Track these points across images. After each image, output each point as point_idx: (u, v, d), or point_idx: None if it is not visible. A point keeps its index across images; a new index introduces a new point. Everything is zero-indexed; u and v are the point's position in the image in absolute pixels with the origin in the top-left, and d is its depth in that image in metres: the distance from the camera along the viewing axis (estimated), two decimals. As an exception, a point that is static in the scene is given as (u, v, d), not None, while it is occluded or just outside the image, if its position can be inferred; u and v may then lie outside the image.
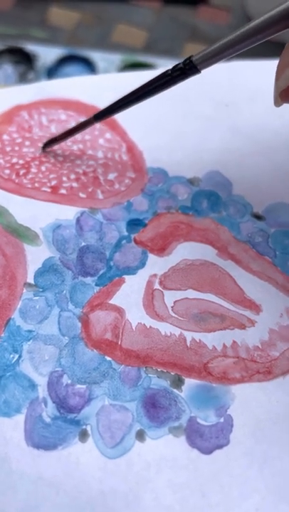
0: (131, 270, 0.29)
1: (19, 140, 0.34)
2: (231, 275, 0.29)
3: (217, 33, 0.48)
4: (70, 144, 0.34)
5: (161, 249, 0.30)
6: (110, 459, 0.24)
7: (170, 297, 0.29)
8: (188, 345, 0.27)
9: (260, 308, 0.28)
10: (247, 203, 0.32)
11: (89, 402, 0.25)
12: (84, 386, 0.26)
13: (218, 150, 0.34)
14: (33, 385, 0.25)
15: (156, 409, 0.25)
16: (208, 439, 0.24)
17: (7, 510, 0.23)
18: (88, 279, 0.29)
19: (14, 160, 0.33)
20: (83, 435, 0.24)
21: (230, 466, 0.24)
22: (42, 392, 0.25)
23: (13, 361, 0.26)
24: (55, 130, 0.34)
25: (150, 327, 0.27)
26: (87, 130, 0.34)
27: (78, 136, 0.34)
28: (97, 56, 0.44)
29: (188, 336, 0.27)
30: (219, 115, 0.35)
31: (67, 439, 0.24)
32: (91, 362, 0.26)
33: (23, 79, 0.43)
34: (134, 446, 0.24)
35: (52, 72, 0.43)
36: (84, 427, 0.25)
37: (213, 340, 0.27)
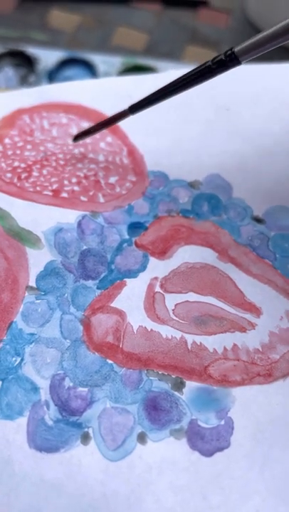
0: (132, 273, 0.29)
1: (21, 144, 0.34)
2: (232, 278, 0.30)
3: (217, 36, 0.48)
4: (71, 148, 0.34)
5: (162, 253, 0.30)
6: (112, 461, 0.24)
7: (171, 300, 0.29)
8: (189, 348, 0.27)
9: (260, 311, 0.29)
10: (247, 206, 0.32)
11: (91, 405, 0.25)
12: (86, 389, 0.26)
13: (218, 153, 0.34)
14: (35, 388, 0.26)
15: (157, 411, 0.25)
16: (208, 442, 0.25)
17: (10, 512, 0.23)
18: (90, 283, 0.29)
19: (16, 164, 0.33)
20: (85, 438, 0.25)
21: (230, 469, 0.24)
22: (44, 395, 0.26)
23: (16, 364, 0.26)
24: (56, 134, 0.34)
25: (151, 330, 0.28)
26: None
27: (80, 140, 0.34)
28: (97, 59, 0.44)
29: (189, 338, 0.27)
30: (220, 119, 0.35)
31: (69, 441, 0.24)
32: (93, 365, 0.26)
33: (24, 82, 0.43)
34: (135, 448, 0.24)
35: (53, 75, 0.43)
36: (86, 429, 0.25)
37: (213, 343, 0.27)
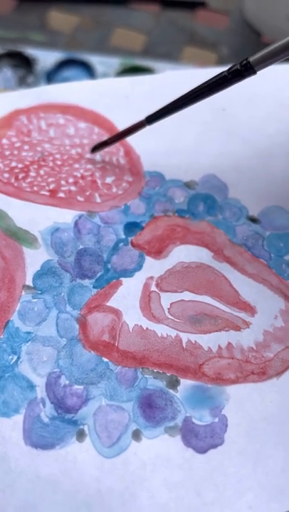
0: (128, 273, 0.30)
1: (18, 144, 0.34)
2: (227, 277, 0.30)
3: (215, 37, 0.49)
4: (68, 148, 0.34)
5: (158, 252, 0.30)
6: (107, 458, 0.24)
7: (166, 299, 0.29)
8: (184, 346, 0.27)
9: (255, 310, 0.29)
10: (243, 206, 0.32)
11: (86, 403, 0.26)
12: (81, 387, 0.26)
13: (214, 154, 0.34)
14: (31, 386, 0.26)
15: (152, 409, 0.26)
16: (203, 439, 0.25)
17: (5, 509, 0.23)
18: (86, 282, 0.29)
19: (13, 164, 0.33)
20: (80, 435, 0.25)
21: (224, 465, 0.24)
22: (40, 392, 0.26)
23: (12, 362, 0.26)
24: (53, 134, 0.35)
25: (147, 329, 0.28)
26: (85, 134, 0.34)
27: (77, 140, 0.34)
28: (95, 60, 0.44)
29: (184, 337, 0.28)
30: (216, 119, 0.36)
31: (64, 438, 0.25)
32: (88, 363, 0.27)
33: (22, 83, 0.43)
34: (130, 445, 0.25)
35: (51, 75, 0.44)
36: (81, 426, 0.25)
37: (208, 341, 0.28)
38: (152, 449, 0.25)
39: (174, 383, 0.26)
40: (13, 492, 0.23)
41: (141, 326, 0.28)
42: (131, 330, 0.28)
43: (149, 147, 0.34)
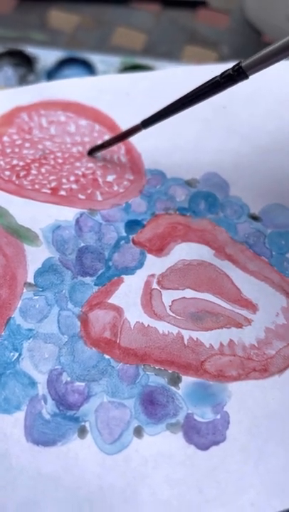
0: (129, 270, 0.30)
1: (19, 142, 0.34)
2: (228, 275, 0.30)
3: (216, 37, 0.49)
4: (69, 146, 0.34)
5: (159, 250, 0.30)
6: (108, 454, 0.24)
7: (168, 297, 0.29)
8: (186, 343, 0.27)
9: (256, 307, 0.29)
10: (244, 204, 0.32)
11: (88, 399, 0.26)
12: (83, 383, 0.26)
13: (215, 152, 0.34)
14: (33, 383, 0.26)
15: (153, 406, 0.26)
16: (204, 436, 0.25)
17: (7, 505, 0.23)
18: (87, 279, 0.29)
19: (14, 161, 0.33)
20: (82, 431, 0.25)
21: (226, 462, 0.24)
22: (42, 389, 0.26)
23: (14, 359, 0.26)
24: (54, 132, 0.35)
25: (148, 326, 0.28)
26: (86, 132, 0.34)
27: (78, 138, 0.34)
28: (96, 59, 0.44)
29: (186, 334, 0.28)
30: (217, 117, 0.36)
31: (66, 435, 0.25)
32: (90, 360, 0.27)
33: (23, 81, 0.43)
34: (132, 442, 0.25)
35: (52, 74, 0.44)
36: (83, 423, 0.25)
37: (210, 338, 0.28)
38: (154, 445, 0.25)
39: (175, 380, 0.26)
40: (15, 489, 0.23)
41: (142, 323, 0.28)
42: (132, 327, 0.28)
43: (150, 145, 0.34)
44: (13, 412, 0.25)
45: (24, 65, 0.44)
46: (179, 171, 0.33)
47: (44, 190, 0.32)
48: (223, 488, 0.24)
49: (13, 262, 0.29)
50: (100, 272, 0.30)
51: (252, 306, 0.29)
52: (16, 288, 0.28)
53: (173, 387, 0.26)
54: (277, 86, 0.37)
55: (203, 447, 0.25)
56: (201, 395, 0.26)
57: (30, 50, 0.44)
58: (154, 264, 0.30)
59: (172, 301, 0.29)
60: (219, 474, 0.24)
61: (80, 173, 0.33)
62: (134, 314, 0.28)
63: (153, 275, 0.30)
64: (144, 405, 0.26)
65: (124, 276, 0.29)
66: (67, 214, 0.31)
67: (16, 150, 0.34)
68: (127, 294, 0.29)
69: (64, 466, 0.24)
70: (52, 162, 0.33)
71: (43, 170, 0.33)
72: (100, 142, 0.34)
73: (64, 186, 0.32)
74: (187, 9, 0.51)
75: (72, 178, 0.33)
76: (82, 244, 0.30)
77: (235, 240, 0.31)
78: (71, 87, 0.37)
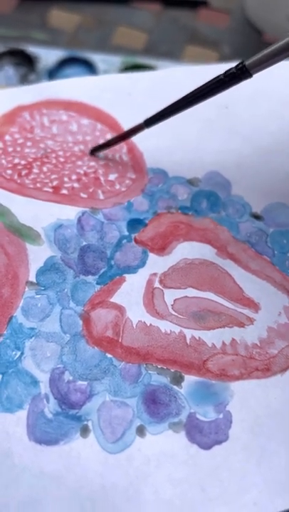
0: (131, 269, 0.30)
1: (21, 141, 0.34)
2: (230, 274, 0.30)
3: (217, 36, 0.49)
4: (71, 145, 0.34)
5: (162, 249, 0.30)
6: (111, 453, 0.24)
7: (170, 296, 0.29)
8: (188, 342, 0.27)
9: (258, 306, 0.29)
10: (246, 203, 0.32)
11: (90, 398, 0.26)
12: (85, 382, 0.26)
13: (217, 151, 0.34)
14: (35, 382, 0.26)
15: (156, 405, 0.26)
16: (207, 435, 0.25)
17: (10, 504, 0.23)
18: (89, 278, 0.29)
19: (16, 160, 0.33)
20: (84, 430, 0.25)
21: (229, 461, 0.24)
22: (44, 388, 0.26)
23: (16, 358, 0.26)
24: (56, 131, 0.35)
25: (150, 325, 0.28)
26: (88, 131, 0.34)
27: (80, 137, 0.34)
28: (97, 58, 0.44)
29: (188, 333, 0.28)
30: (219, 117, 0.36)
31: (68, 434, 0.25)
32: (92, 359, 0.27)
33: (24, 80, 0.43)
34: (134, 441, 0.25)
35: (53, 73, 0.44)
36: (85, 422, 0.25)
37: (212, 337, 0.28)
38: (156, 444, 0.25)
39: (178, 379, 0.26)
40: (17, 487, 0.23)
41: (144, 322, 0.28)
42: (134, 326, 0.28)
43: (152, 144, 0.34)
44: (16, 411, 0.25)
45: (25, 64, 0.44)
46: (181, 170, 0.33)
47: (46, 189, 0.32)
48: (225, 487, 0.24)
49: (15, 261, 0.29)
50: (102, 271, 0.29)
51: (254, 306, 0.29)
52: (17, 287, 0.28)
53: (175, 387, 0.26)
54: (280, 86, 0.37)
55: (206, 446, 0.25)
56: (203, 394, 0.26)
57: (32, 49, 0.44)
58: (156, 263, 0.30)
59: (174, 300, 0.29)
60: (222, 473, 0.24)
61: (81, 171, 0.33)
62: (137, 313, 0.28)
63: (155, 274, 0.30)
64: (146, 404, 0.26)
65: (127, 275, 0.29)
66: (69, 213, 0.31)
67: (18, 149, 0.34)
68: (129, 293, 0.29)
69: (66, 465, 0.24)
70: (54, 161, 0.33)
71: (44, 169, 0.33)
72: (102, 142, 0.34)
73: (66, 185, 0.32)
74: (188, 9, 0.51)
75: (74, 177, 0.33)
76: (84, 243, 0.30)
77: (237, 239, 0.31)
78: (73, 87, 0.37)
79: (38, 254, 0.30)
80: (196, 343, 0.27)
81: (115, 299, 0.29)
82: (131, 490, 0.24)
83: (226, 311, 0.29)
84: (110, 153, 0.34)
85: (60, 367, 0.26)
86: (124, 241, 0.31)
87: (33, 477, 0.24)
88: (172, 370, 0.27)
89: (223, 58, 0.47)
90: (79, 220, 0.31)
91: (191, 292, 0.29)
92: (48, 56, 0.44)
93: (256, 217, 0.32)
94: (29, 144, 0.34)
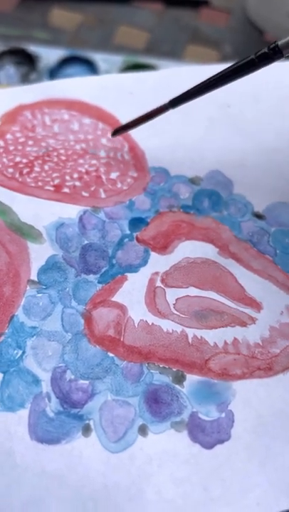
0: (133, 268, 0.30)
1: (22, 139, 0.34)
2: (232, 273, 0.30)
3: (218, 35, 0.49)
4: (72, 144, 0.34)
5: (163, 248, 0.30)
6: (113, 453, 0.24)
7: (172, 295, 0.29)
8: (190, 341, 0.27)
9: (260, 305, 0.29)
10: (248, 202, 0.32)
11: (92, 398, 0.25)
12: (87, 381, 0.26)
13: (219, 150, 0.34)
14: (36, 381, 0.26)
15: (158, 404, 0.25)
16: (209, 434, 0.25)
17: (12, 503, 0.23)
18: (91, 277, 0.29)
19: (17, 159, 0.33)
20: (86, 430, 0.25)
21: (231, 461, 0.24)
22: (45, 387, 0.26)
23: (17, 357, 0.26)
24: (58, 129, 0.34)
25: (152, 324, 0.28)
26: (90, 130, 0.34)
27: (81, 136, 0.34)
28: (98, 57, 0.44)
29: (190, 332, 0.28)
30: (221, 115, 0.36)
31: (70, 433, 0.25)
32: (94, 358, 0.27)
33: (25, 80, 0.43)
34: (136, 440, 0.25)
35: (54, 73, 0.43)
36: (87, 421, 0.25)
37: (214, 337, 0.28)
38: (159, 444, 0.24)
39: (179, 378, 0.26)
40: (19, 487, 0.23)
41: (146, 321, 0.28)
42: (136, 325, 0.28)
43: (154, 143, 0.34)
44: (17, 410, 0.25)
45: (26, 63, 0.44)
46: (183, 168, 0.33)
47: (47, 188, 0.32)
48: (228, 487, 0.24)
49: (16, 260, 0.29)
50: (103, 270, 0.29)
51: (256, 305, 0.29)
52: (19, 285, 0.28)
53: (177, 386, 0.26)
54: (282, 85, 0.37)
55: (208, 446, 0.25)
56: (205, 393, 0.26)
57: (33, 48, 0.44)
58: (158, 262, 0.30)
59: (176, 300, 0.29)
60: (224, 473, 0.24)
61: (83, 170, 0.33)
62: (138, 312, 0.28)
63: (157, 273, 0.29)
64: (148, 403, 0.25)
65: (128, 274, 0.29)
66: (71, 211, 0.31)
67: (19, 147, 0.33)
68: (131, 292, 0.29)
69: (68, 465, 0.24)
70: (55, 159, 0.33)
71: (46, 167, 0.33)
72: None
73: (67, 183, 0.32)
74: (189, 8, 0.51)
75: (75, 176, 0.33)
76: (86, 242, 0.30)
77: (239, 238, 0.31)
78: (75, 86, 0.37)
79: (39, 253, 0.30)
80: (198, 343, 0.27)
81: (117, 297, 0.29)
82: (133, 489, 0.23)
83: (228, 310, 0.28)
84: (112, 152, 0.34)
85: (61, 366, 0.26)
86: (126, 240, 0.30)
87: (35, 476, 0.24)
88: (174, 370, 0.26)
89: (224, 58, 0.47)
90: (80, 218, 0.31)
91: (193, 291, 0.29)
92: (49, 55, 0.44)
93: (258, 216, 0.32)
94: (31, 142, 0.34)
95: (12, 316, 0.27)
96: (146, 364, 0.27)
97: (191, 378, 0.26)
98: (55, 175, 0.32)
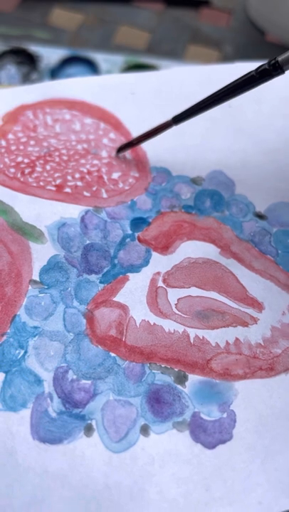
0: (135, 268, 0.30)
1: (24, 139, 0.34)
2: (234, 273, 0.30)
3: (219, 35, 0.49)
4: (74, 144, 0.34)
5: (165, 248, 0.30)
6: (115, 453, 0.24)
7: (173, 295, 0.29)
8: (192, 341, 0.27)
9: (262, 306, 0.29)
10: (249, 202, 0.32)
11: (94, 397, 0.26)
12: (89, 381, 0.26)
13: (221, 150, 0.34)
14: (38, 380, 0.26)
15: (160, 404, 0.25)
16: (211, 434, 0.25)
17: (14, 503, 0.23)
18: (93, 277, 0.29)
19: (19, 159, 0.33)
20: (88, 429, 0.25)
21: (233, 461, 0.24)
22: (47, 387, 0.26)
23: (19, 357, 0.26)
24: (59, 129, 0.34)
25: (154, 324, 0.28)
26: (91, 130, 0.34)
27: (83, 136, 0.34)
28: (99, 57, 0.44)
29: (192, 332, 0.28)
30: (222, 116, 0.36)
31: (72, 433, 0.25)
32: (96, 358, 0.27)
33: (26, 79, 0.43)
34: (138, 440, 0.25)
35: (55, 72, 0.43)
36: (89, 421, 0.25)
37: (216, 337, 0.28)
38: (160, 444, 0.25)
39: (181, 378, 0.26)
40: (21, 486, 0.23)
41: (148, 321, 0.28)
42: (138, 325, 0.28)
43: (155, 143, 0.34)
44: (19, 410, 0.25)
45: (27, 63, 0.44)
46: (185, 168, 0.33)
47: (49, 188, 0.32)
48: (230, 487, 0.24)
49: (18, 260, 0.29)
50: (105, 270, 0.29)
51: (258, 305, 0.29)
52: (21, 285, 0.28)
53: (179, 386, 0.26)
54: (283, 85, 0.37)
55: (210, 446, 0.25)
56: (207, 393, 0.26)
57: (34, 48, 0.44)
58: (160, 262, 0.30)
59: (178, 300, 0.29)
60: (226, 473, 0.24)
61: (85, 170, 0.33)
62: (140, 312, 0.28)
63: (158, 273, 0.30)
64: (150, 403, 0.26)
65: (130, 274, 0.29)
66: (73, 211, 0.31)
67: (21, 147, 0.33)
68: (133, 292, 0.29)
69: (70, 464, 0.24)
70: (57, 159, 0.33)
71: (47, 167, 0.33)
72: (106, 142, 0.34)
73: (69, 183, 0.32)
74: (190, 8, 0.51)
75: (77, 176, 0.33)
76: (88, 242, 0.30)
77: (241, 238, 0.31)
78: (76, 86, 0.37)
79: (41, 253, 0.30)
80: (200, 343, 0.27)
81: (119, 297, 0.29)
82: (135, 489, 0.23)
83: (230, 310, 0.28)
84: (113, 152, 0.34)
85: (63, 366, 0.26)
86: (128, 240, 0.30)
87: (37, 476, 0.24)
88: (176, 370, 0.27)
89: (225, 58, 0.47)
90: (82, 218, 0.31)
91: (195, 291, 0.29)
92: (50, 55, 0.44)
93: (260, 216, 0.32)
94: (32, 142, 0.34)
95: (14, 315, 0.27)
96: (148, 364, 0.27)
97: (193, 378, 0.26)
98: (56, 175, 0.32)
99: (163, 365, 0.27)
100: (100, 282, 0.29)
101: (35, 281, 0.29)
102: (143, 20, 0.49)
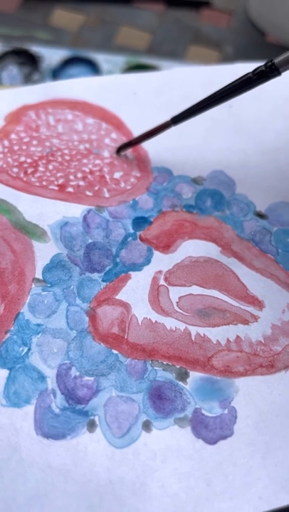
0: (137, 267, 0.30)
1: (27, 139, 0.34)
2: (235, 272, 0.30)
3: (219, 36, 0.49)
4: (76, 144, 0.34)
5: (166, 247, 0.31)
6: (118, 448, 0.25)
7: (175, 293, 0.29)
8: (193, 339, 0.28)
9: (263, 304, 0.29)
10: (250, 201, 0.33)
11: (97, 394, 0.26)
12: (92, 378, 0.26)
13: (221, 150, 0.34)
14: (42, 377, 0.26)
15: (162, 400, 0.26)
16: (212, 430, 0.25)
17: (17, 498, 0.23)
18: (95, 275, 0.29)
19: (22, 159, 0.33)
20: (91, 425, 0.25)
21: (234, 456, 0.25)
22: (51, 383, 0.26)
23: (23, 354, 0.27)
24: (61, 129, 0.35)
25: (156, 322, 0.28)
26: (93, 130, 0.35)
27: (85, 136, 0.34)
28: (101, 58, 0.44)
29: (193, 330, 0.28)
30: (223, 116, 0.36)
31: (75, 429, 0.25)
32: (98, 355, 0.27)
33: (28, 80, 0.43)
34: (140, 436, 0.25)
35: (56, 73, 0.44)
36: (92, 417, 0.25)
37: (217, 334, 0.28)
38: (162, 439, 0.25)
39: (183, 375, 0.27)
40: (25, 481, 0.24)
41: (150, 319, 0.28)
42: (140, 323, 0.28)
43: (157, 143, 0.34)
44: (23, 406, 0.25)
45: (29, 64, 0.44)
46: (186, 168, 0.34)
47: (52, 187, 0.32)
48: (230, 482, 0.24)
49: (21, 258, 0.29)
50: (107, 268, 0.30)
51: (258, 303, 0.29)
52: (24, 283, 0.29)
53: (181, 382, 0.26)
54: (284, 85, 0.37)
55: (211, 441, 0.25)
56: (208, 390, 0.26)
57: (35, 49, 0.45)
58: (161, 261, 0.30)
59: (179, 298, 0.29)
60: (227, 468, 0.24)
61: (87, 170, 0.33)
62: (142, 310, 0.28)
63: (160, 272, 0.30)
64: (152, 400, 0.26)
65: (132, 273, 0.30)
66: (75, 210, 0.32)
67: (24, 147, 0.34)
68: (135, 290, 0.29)
69: (74, 460, 0.24)
70: (59, 159, 0.33)
71: (50, 167, 0.33)
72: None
73: (71, 183, 0.33)
74: (191, 9, 0.51)
75: (79, 175, 0.33)
76: (90, 241, 0.31)
77: (242, 237, 0.31)
78: (78, 87, 0.37)
79: (44, 252, 0.30)
80: (201, 340, 0.28)
81: (121, 296, 0.29)
82: (137, 484, 0.24)
83: (231, 308, 0.29)
84: (115, 152, 0.34)
85: (66, 363, 0.27)
86: (130, 239, 0.31)
87: (41, 471, 0.24)
88: (177, 367, 0.27)
89: (225, 58, 0.47)
90: (84, 217, 0.31)
91: (196, 290, 0.29)
92: (51, 56, 0.44)
93: (260, 216, 0.32)
94: (35, 142, 0.34)
95: (18, 313, 0.28)
96: (150, 361, 0.27)
97: (194, 375, 0.27)
98: (59, 174, 0.33)
99: (165, 362, 0.27)
100: (102, 281, 0.29)
101: (38, 280, 0.29)
102: (144, 20, 0.50)
